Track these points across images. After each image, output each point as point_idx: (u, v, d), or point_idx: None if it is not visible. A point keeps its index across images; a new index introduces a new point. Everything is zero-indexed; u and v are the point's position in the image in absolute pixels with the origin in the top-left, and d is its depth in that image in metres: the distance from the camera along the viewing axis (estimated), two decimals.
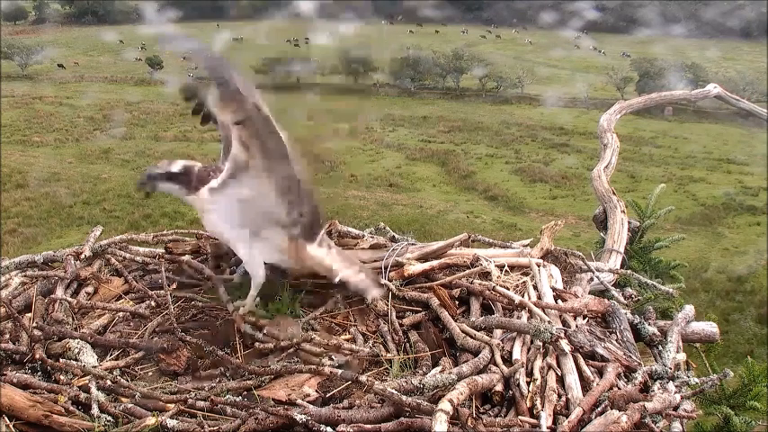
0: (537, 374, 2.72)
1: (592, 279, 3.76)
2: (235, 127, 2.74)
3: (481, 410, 2.61)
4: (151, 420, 2.38)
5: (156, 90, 47.90)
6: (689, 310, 3.51)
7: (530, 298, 3.24)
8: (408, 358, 2.92)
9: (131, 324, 3.12)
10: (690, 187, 30.41)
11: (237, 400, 2.55)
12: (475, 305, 3.24)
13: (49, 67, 51.17)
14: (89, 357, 2.76)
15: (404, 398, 2.46)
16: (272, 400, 2.55)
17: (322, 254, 3.07)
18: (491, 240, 3.97)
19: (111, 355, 2.89)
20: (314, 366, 2.64)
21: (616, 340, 3.08)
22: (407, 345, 3.02)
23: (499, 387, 2.68)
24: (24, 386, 2.54)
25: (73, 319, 3.07)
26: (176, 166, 3.00)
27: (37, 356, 2.69)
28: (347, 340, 2.99)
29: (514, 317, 3.10)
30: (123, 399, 2.54)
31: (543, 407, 2.55)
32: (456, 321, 3.07)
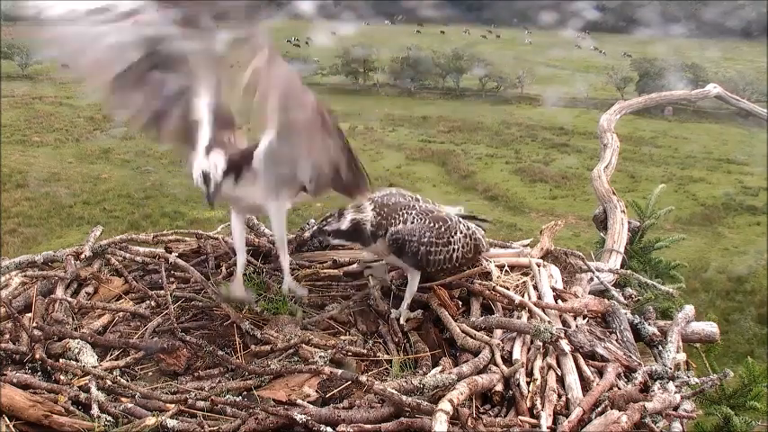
0: (537, 374, 2.72)
1: (592, 279, 3.76)
2: None
3: (481, 410, 2.61)
4: (151, 420, 2.38)
5: None
6: (689, 310, 3.51)
7: (530, 298, 3.24)
8: (408, 358, 2.91)
9: (131, 324, 3.12)
10: (690, 187, 30.35)
11: (237, 400, 2.54)
12: (475, 305, 3.24)
13: (49, 68, 51.11)
14: (89, 357, 2.76)
15: (404, 398, 2.46)
16: (272, 400, 2.55)
17: None
18: (491, 240, 3.96)
19: (111, 355, 2.89)
20: (314, 366, 2.64)
21: (616, 340, 3.09)
22: (407, 345, 3.02)
23: (499, 387, 2.68)
24: (24, 386, 2.54)
25: (73, 319, 3.08)
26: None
27: (37, 356, 2.69)
28: (347, 342, 2.99)
29: (514, 317, 3.10)
30: (123, 399, 2.53)
31: (543, 407, 2.55)
32: (456, 321, 3.07)
